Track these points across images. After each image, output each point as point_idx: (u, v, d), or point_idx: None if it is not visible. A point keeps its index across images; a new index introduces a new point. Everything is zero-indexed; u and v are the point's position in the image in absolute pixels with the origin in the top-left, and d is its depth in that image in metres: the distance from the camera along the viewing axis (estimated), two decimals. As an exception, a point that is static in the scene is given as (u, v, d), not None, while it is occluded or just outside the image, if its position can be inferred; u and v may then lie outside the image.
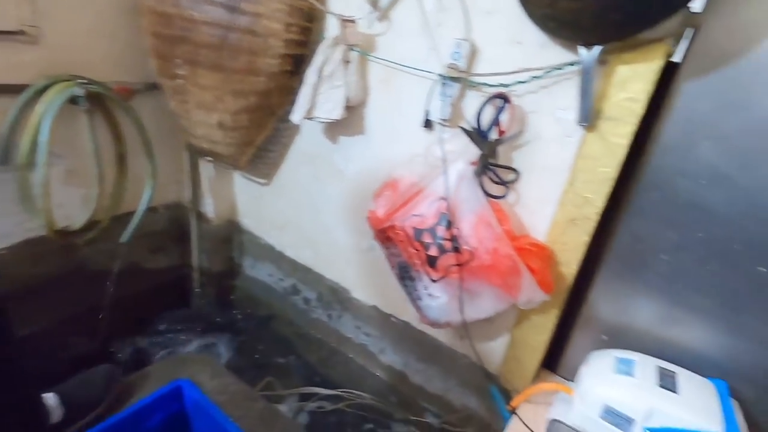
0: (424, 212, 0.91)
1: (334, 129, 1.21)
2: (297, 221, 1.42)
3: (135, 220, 1.36)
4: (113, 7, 1.20)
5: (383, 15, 1.04)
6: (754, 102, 0.69)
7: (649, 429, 0.76)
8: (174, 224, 1.64)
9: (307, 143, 1.30)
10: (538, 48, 0.84)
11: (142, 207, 1.37)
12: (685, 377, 0.80)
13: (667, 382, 0.79)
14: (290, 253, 1.48)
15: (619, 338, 0.93)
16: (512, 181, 0.92)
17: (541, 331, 0.98)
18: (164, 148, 1.43)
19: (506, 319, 1.03)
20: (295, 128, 1.30)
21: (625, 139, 0.78)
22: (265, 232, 1.54)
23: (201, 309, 1.70)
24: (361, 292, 1.33)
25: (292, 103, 1.22)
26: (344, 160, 1.23)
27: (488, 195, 0.89)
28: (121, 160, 1.34)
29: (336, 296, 1.40)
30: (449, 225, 0.87)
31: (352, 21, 1.05)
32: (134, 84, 1.30)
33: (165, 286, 1.68)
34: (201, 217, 1.58)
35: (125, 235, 1.36)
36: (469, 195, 0.87)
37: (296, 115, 1.12)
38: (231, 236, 1.65)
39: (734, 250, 0.75)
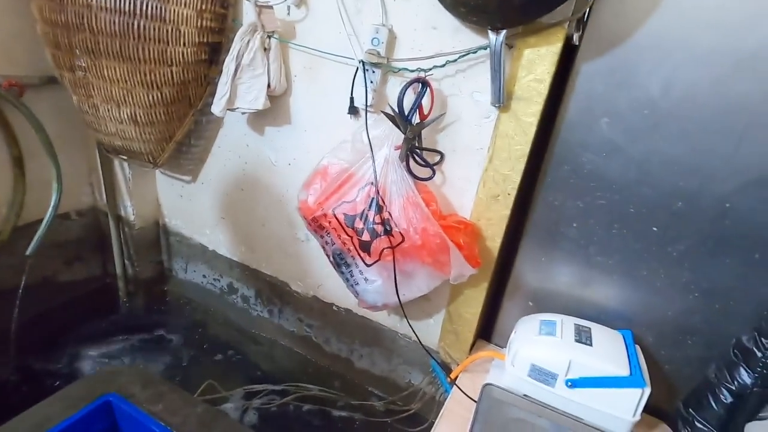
0: (355, 198, 0.91)
1: (260, 119, 1.18)
2: (229, 217, 1.37)
3: (41, 230, 1.23)
4: (-10, -10, 1.07)
5: (300, 1, 1.02)
6: (638, 82, 0.77)
7: (569, 380, 0.83)
8: (90, 231, 1.51)
9: (232, 136, 1.25)
10: (452, 33, 0.88)
11: (49, 214, 1.24)
12: (598, 330, 0.89)
13: (584, 337, 0.87)
14: (224, 251, 1.43)
15: (543, 303, 1.00)
16: (437, 163, 0.95)
17: (473, 304, 1.03)
18: (70, 147, 1.31)
19: (441, 296, 1.07)
20: (218, 121, 1.25)
21: (534, 117, 0.83)
22: (195, 231, 1.47)
23: (129, 320, 1.59)
24: (300, 284, 1.32)
25: (212, 94, 1.17)
26: (273, 151, 1.20)
27: (415, 177, 0.91)
28: (18, 163, 1.21)
29: (275, 291, 1.38)
30: (380, 209, 0.89)
31: (269, 7, 1.02)
32: (26, 78, 1.17)
33: (85, 299, 1.55)
34: (121, 221, 1.47)
35: (31, 247, 1.23)
36: (396, 178, 0.89)
37: (217, 107, 1.07)
38: (157, 239, 1.55)
39: (630, 213, 0.84)
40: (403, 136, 0.89)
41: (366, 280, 0.95)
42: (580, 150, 0.85)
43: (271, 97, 1.09)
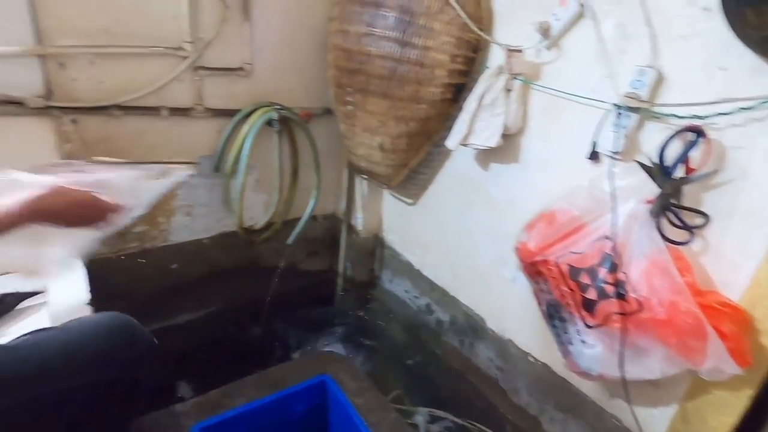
0: (584, 250, 0.84)
1: (488, 156, 1.21)
2: (439, 242, 1.45)
3: (300, 225, 1.56)
4: (307, 47, 1.42)
5: (553, 43, 1.01)
6: None
7: None
8: (328, 233, 1.83)
9: (458, 168, 1.33)
10: (748, 74, 0.72)
11: (306, 215, 1.56)
12: None
13: None
14: (428, 272, 1.52)
15: None
16: (699, 227, 0.79)
17: (727, 411, 0.81)
18: (328, 165, 1.62)
19: (676, 386, 0.87)
20: (448, 153, 1.34)
21: None
22: (406, 249, 1.61)
23: (340, 312, 1.85)
24: (497, 323, 1.29)
25: (448, 129, 1.27)
26: (495, 187, 1.22)
27: (666, 239, 0.78)
28: (295, 173, 1.56)
29: (470, 323, 1.38)
30: (614, 268, 0.79)
31: (519, 51, 1.05)
32: (314, 109, 1.51)
33: (314, 287, 1.87)
34: (351, 229, 1.74)
35: (291, 238, 1.57)
36: (641, 237, 0.78)
37: (452, 141, 1.16)
38: (374, 249, 1.76)
39: None
40: (658, 190, 0.78)
41: (583, 342, 0.85)
42: None
43: (505, 136, 1.11)
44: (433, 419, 1.32)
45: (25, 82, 1.02)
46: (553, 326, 0.92)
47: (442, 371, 1.49)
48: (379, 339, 1.73)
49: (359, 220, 1.69)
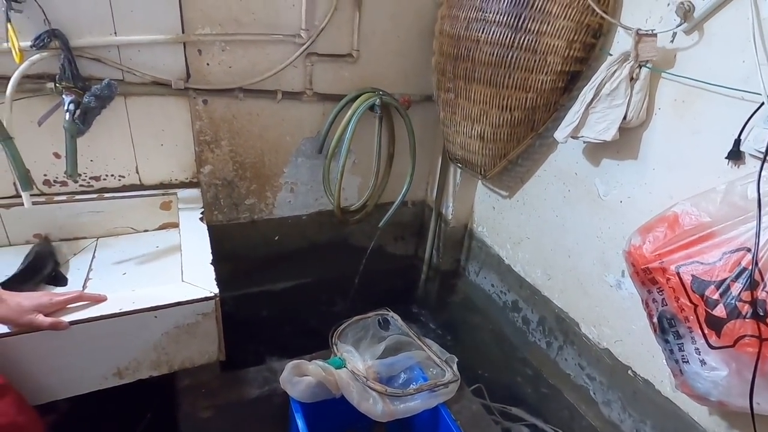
0: (715, 261, 0.75)
1: (599, 150, 1.13)
2: (534, 239, 1.39)
3: (392, 210, 1.60)
4: (413, 33, 1.42)
5: (694, 26, 0.90)
6: None
7: None
8: (416, 219, 1.84)
9: (561, 162, 1.26)
10: None
11: (399, 200, 1.59)
12: None
13: None
14: (519, 269, 1.47)
15: None
16: None
17: None
18: (423, 152, 1.62)
19: (818, 430, 0.75)
20: (552, 146, 1.27)
21: None
22: (497, 243, 1.57)
23: (422, 299, 1.87)
24: (594, 329, 1.21)
25: (555, 120, 1.20)
26: (604, 185, 1.13)
27: (827, 258, 0.66)
28: (390, 158, 1.59)
29: (561, 326, 1.31)
30: (753, 285, 0.69)
31: (652, 35, 0.94)
32: (413, 96, 1.51)
33: (398, 271, 1.91)
34: (440, 217, 1.73)
35: (383, 222, 1.61)
36: (793, 253, 0.67)
37: (561, 133, 1.09)
38: (462, 240, 1.74)
39: None
40: (823, 200, 0.66)
41: (702, 363, 0.76)
42: None
43: (622, 129, 1.02)
44: (513, 417, 1.28)
45: (172, 66, 1.16)
46: (665, 341, 0.84)
47: (524, 371, 1.44)
48: (459, 328, 1.72)
49: (449, 209, 1.68)
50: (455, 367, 1.07)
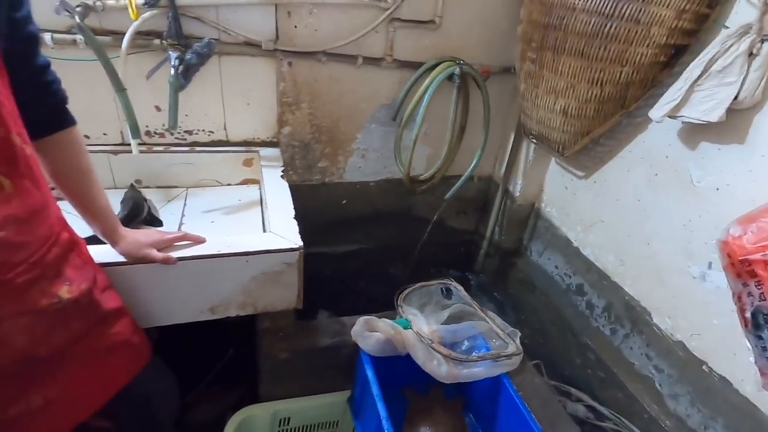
0: (831, 258, 0.69)
1: (699, 132, 1.05)
2: (610, 223, 1.33)
3: (460, 183, 1.59)
4: (498, 1, 1.37)
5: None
6: None
7: None
8: (480, 194, 1.82)
9: (651, 143, 1.18)
10: None
11: (468, 173, 1.58)
12: None
13: None
14: (588, 252, 1.42)
15: None
16: None
17: None
18: (495, 126, 1.58)
19: None
20: (642, 125, 1.20)
21: None
22: (565, 224, 1.53)
23: (480, 276, 1.87)
24: (667, 321, 1.16)
25: (648, 98, 1.13)
26: (699, 170, 1.06)
27: None
28: (462, 130, 1.57)
29: (630, 314, 1.27)
30: None
31: (784, 4, 0.85)
32: (493, 66, 1.47)
33: (457, 245, 1.92)
34: (507, 194, 1.70)
35: (450, 194, 1.61)
36: None
37: (658, 112, 1.03)
38: (527, 218, 1.71)
39: None
40: None
41: (801, 362, 0.72)
42: None
43: (730, 110, 0.94)
44: (569, 395, 1.28)
45: (263, 27, 1.20)
46: (759, 337, 0.79)
47: (585, 355, 1.42)
48: (518, 309, 1.71)
49: (518, 186, 1.64)
50: (518, 341, 1.08)
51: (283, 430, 1.18)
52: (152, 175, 1.30)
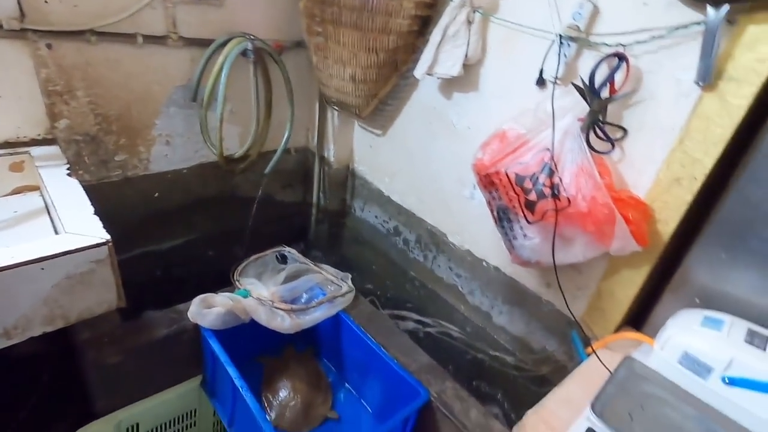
0: (528, 161, 1.00)
1: (450, 85, 1.33)
2: (406, 170, 1.59)
3: (276, 156, 1.65)
4: (278, -24, 1.44)
5: (510, -23, 1.11)
6: None
7: (727, 377, 0.80)
8: (300, 165, 1.92)
9: (423, 98, 1.45)
10: (664, 8, 0.87)
11: (282, 146, 1.65)
12: (777, 340, 0.82)
13: (756, 341, 0.82)
14: (396, 198, 1.67)
15: (713, 303, 0.94)
16: (619, 139, 0.97)
17: (629, 285, 1.03)
18: (301, 98, 1.68)
19: (594, 271, 1.10)
20: (414, 84, 1.45)
21: (745, 100, 0.79)
22: (376, 178, 1.75)
23: (316, 239, 2.00)
24: (458, 237, 1.48)
25: (414, 61, 1.37)
26: (456, 115, 1.35)
27: (592, 149, 0.95)
28: (269, 105, 1.62)
29: (433, 239, 1.57)
30: (551, 173, 0.96)
31: (480, -16, 1.14)
32: (285, 41, 1.55)
33: (288, 217, 2.00)
34: (323, 161, 1.84)
35: (268, 167, 1.66)
36: (573, 147, 0.95)
37: (419, 70, 1.27)
38: (345, 180, 1.88)
39: None
40: (588, 108, 0.94)
41: (525, 236, 1.04)
42: (799, 141, 0.78)
43: (465, 66, 1.23)
44: (401, 317, 1.53)
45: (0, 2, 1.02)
46: (502, 227, 1.11)
47: (409, 284, 1.69)
48: (354, 262, 1.90)
49: (331, 152, 1.79)
50: (349, 281, 1.23)
51: (135, 440, 1.11)
52: None
